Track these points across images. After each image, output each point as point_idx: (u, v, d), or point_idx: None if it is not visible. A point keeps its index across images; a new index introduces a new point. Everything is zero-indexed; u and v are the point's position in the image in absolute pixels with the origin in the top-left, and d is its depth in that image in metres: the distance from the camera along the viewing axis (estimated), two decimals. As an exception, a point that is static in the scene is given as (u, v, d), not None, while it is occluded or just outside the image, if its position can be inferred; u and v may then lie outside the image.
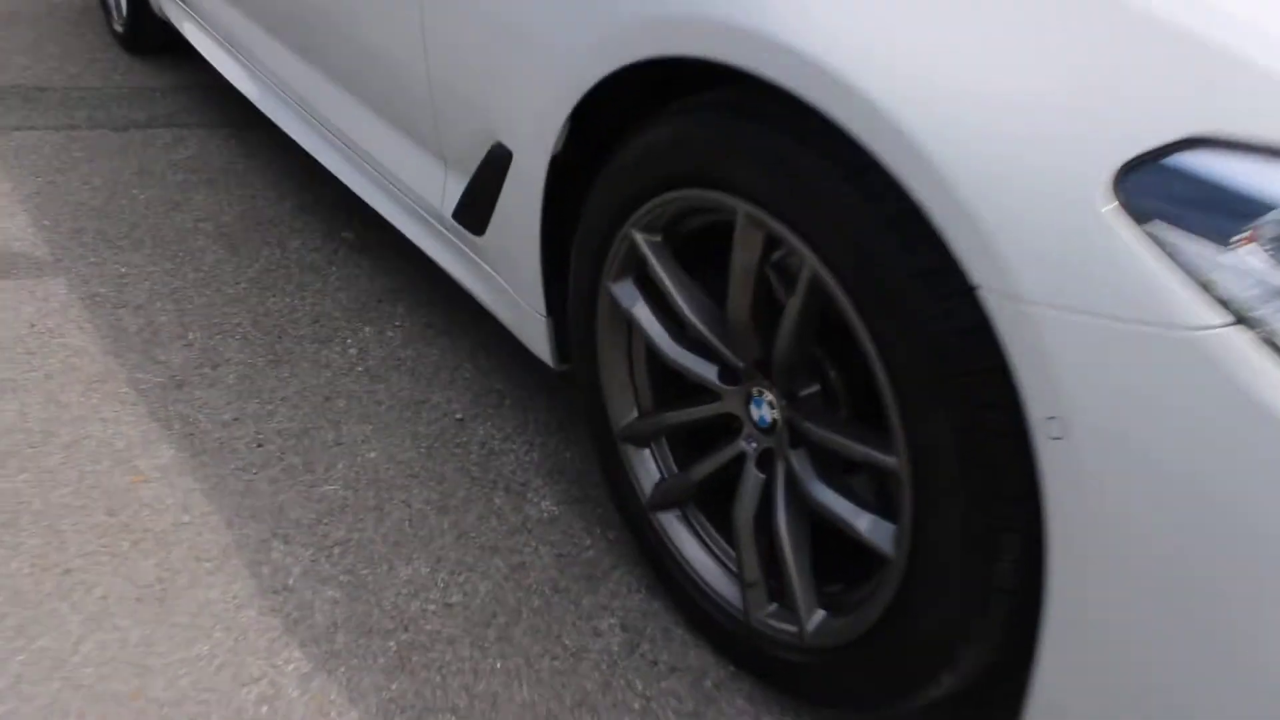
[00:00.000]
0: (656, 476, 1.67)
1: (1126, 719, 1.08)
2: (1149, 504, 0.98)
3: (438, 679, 1.57)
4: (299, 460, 1.99)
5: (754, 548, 1.50)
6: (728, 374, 1.50)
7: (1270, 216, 0.90)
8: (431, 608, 1.69)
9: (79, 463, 1.98)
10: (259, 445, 2.03)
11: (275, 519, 1.85)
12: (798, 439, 1.42)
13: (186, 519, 1.85)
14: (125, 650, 1.60)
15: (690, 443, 1.64)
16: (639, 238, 1.50)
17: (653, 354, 1.63)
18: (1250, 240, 0.91)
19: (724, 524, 1.63)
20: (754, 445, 1.49)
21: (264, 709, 1.51)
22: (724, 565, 1.61)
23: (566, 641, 1.64)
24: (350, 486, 1.93)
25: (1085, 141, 0.96)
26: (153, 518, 1.85)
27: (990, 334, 1.10)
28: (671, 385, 1.66)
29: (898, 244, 1.13)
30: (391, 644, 1.63)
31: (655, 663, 1.62)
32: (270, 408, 2.13)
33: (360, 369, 2.25)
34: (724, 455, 1.53)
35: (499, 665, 1.59)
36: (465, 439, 2.06)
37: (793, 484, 1.44)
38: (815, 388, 1.40)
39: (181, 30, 3.41)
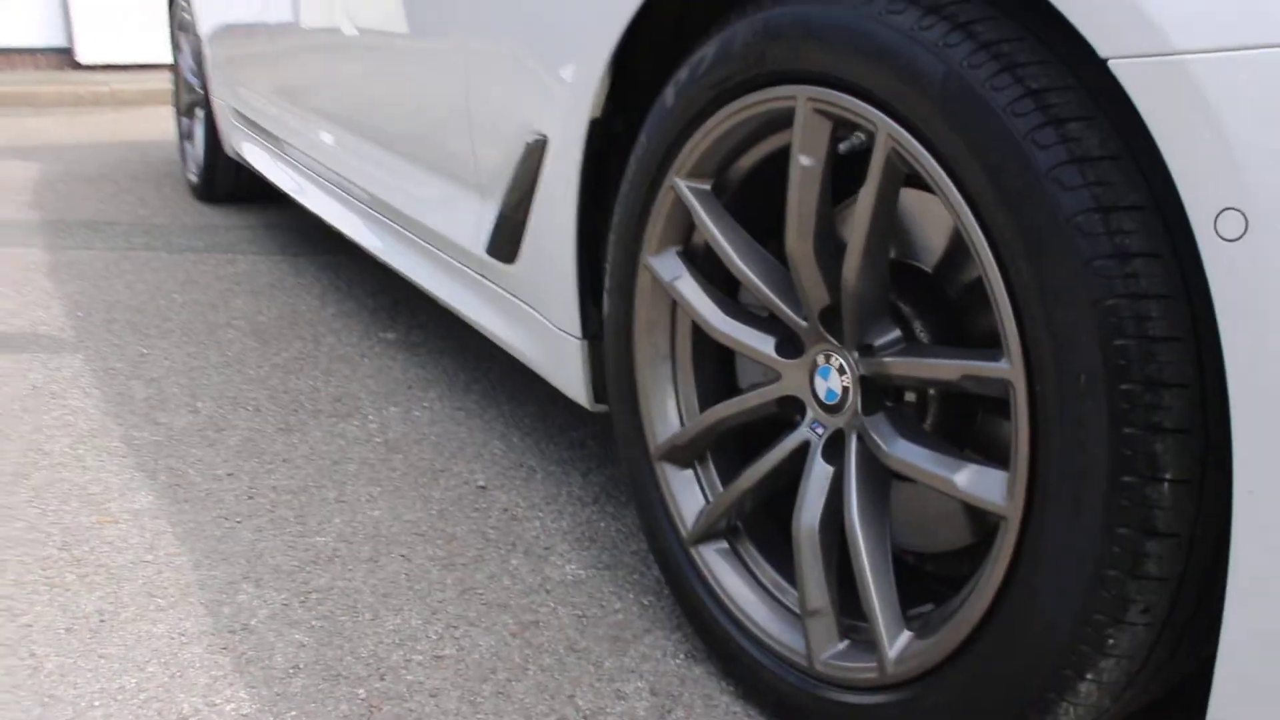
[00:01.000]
0: (700, 504, 1.36)
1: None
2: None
3: (411, 729, 1.24)
4: (291, 513, 1.72)
5: (820, 563, 1.18)
6: (787, 346, 1.23)
7: None
8: (417, 658, 1.37)
9: (45, 502, 1.72)
10: (249, 498, 1.76)
11: (250, 564, 1.57)
12: (873, 404, 1.13)
13: (149, 558, 1.57)
14: (35, 678, 1.30)
15: (739, 458, 1.35)
16: (684, 187, 1.26)
17: (699, 344, 1.37)
18: None
19: (779, 554, 1.31)
20: (820, 430, 1.20)
21: (186, 744, 1.19)
22: (781, 605, 1.28)
23: (580, 703, 1.30)
24: (344, 539, 1.64)
25: None
26: (111, 555, 1.58)
27: (1130, 163, 0.84)
28: (719, 381, 1.38)
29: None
30: (360, 691, 1.30)
31: (690, 731, 1.27)
32: (270, 467, 1.87)
33: (378, 440, 2.00)
34: (784, 448, 1.23)
35: (491, 720, 1.26)
36: (485, 505, 1.77)
37: (868, 466, 1.13)
38: (895, 333, 1.11)
39: (242, 154, 3.38)
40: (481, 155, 1.76)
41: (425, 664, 1.36)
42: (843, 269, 1.08)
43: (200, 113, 3.86)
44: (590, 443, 2.02)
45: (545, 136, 1.54)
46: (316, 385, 2.25)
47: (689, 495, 1.38)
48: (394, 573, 1.56)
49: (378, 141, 2.26)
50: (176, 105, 4.31)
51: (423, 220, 2.04)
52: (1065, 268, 0.85)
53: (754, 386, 1.28)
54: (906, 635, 1.09)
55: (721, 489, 1.34)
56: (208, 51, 3.66)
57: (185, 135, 4.20)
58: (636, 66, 1.44)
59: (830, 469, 1.18)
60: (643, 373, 1.40)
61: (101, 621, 1.42)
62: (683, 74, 1.26)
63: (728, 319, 1.27)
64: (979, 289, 1.13)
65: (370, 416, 2.10)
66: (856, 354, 1.13)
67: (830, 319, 1.16)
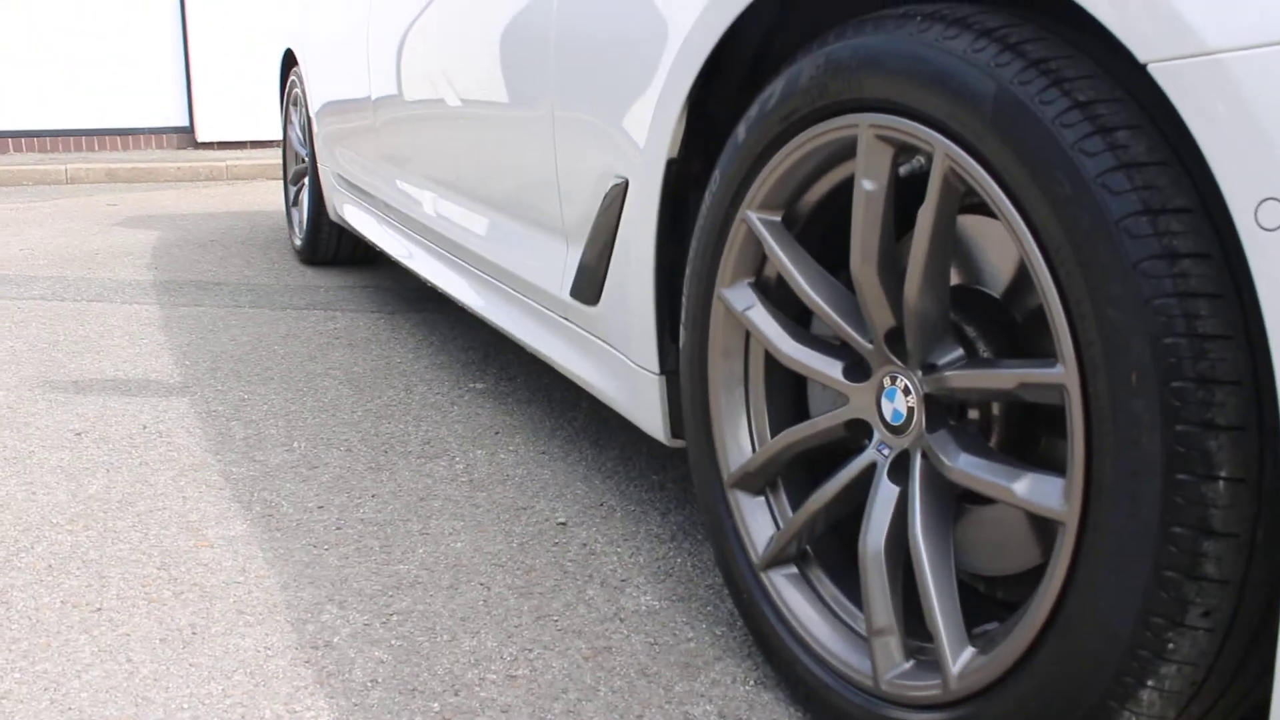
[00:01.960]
0: (771, 529, 1.38)
1: None
2: None
3: (483, 739, 1.27)
4: (376, 543, 1.78)
5: (886, 583, 1.19)
6: (854, 371, 1.26)
7: None
8: (491, 677, 1.40)
9: (147, 527, 1.81)
10: (338, 529, 1.83)
11: (335, 587, 1.62)
12: (936, 422, 1.15)
13: (240, 579, 1.64)
14: (131, 681, 1.37)
15: (808, 484, 1.37)
16: (755, 219, 1.31)
17: (771, 372, 1.40)
18: None
19: (847, 578, 1.32)
20: (886, 451, 1.22)
21: (267, 745, 1.24)
22: (848, 628, 1.29)
23: (648, 722, 1.32)
24: (426, 568, 1.69)
25: None
26: (205, 575, 1.65)
27: (1178, 168, 0.86)
28: (790, 409, 1.41)
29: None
30: (435, 705, 1.34)
31: (756, 752, 1.28)
32: (359, 501, 1.94)
33: (464, 480, 2.05)
34: (851, 470, 1.25)
35: (560, 734, 1.28)
36: (565, 540, 1.81)
37: (933, 484, 1.15)
38: (958, 351, 1.13)
39: (344, 217, 3.53)
40: (567, 203, 1.84)
41: (499, 682, 1.39)
42: (904, 287, 1.11)
43: (306, 180, 4.04)
44: (670, 485, 2.05)
45: (625, 180, 1.61)
46: (407, 429, 2.33)
47: (760, 521, 1.40)
48: (472, 599, 1.60)
49: (472, 201, 2.36)
50: (285, 175, 4.52)
51: (513, 270, 2.11)
52: (1115, 269, 0.87)
53: (824, 412, 1.30)
54: (970, 651, 1.09)
55: (791, 514, 1.36)
56: (315, 122, 3.84)
57: (292, 202, 4.39)
58: (713, 109, 1.50)
59: (896, 489, 1.20)
60: (717, 402, 1.43)
61: (194, 634, 1.48)
62: (753, 111, 1.31)
63: (798, 345, 1.31)
64: (1042, 313, 1.15)
65: (457, 458, 2.17)
66: (920, 373, 1.15)
67: (895, 341, 1.19)
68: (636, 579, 1.68)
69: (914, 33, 1.06)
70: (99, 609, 1.54)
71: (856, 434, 1.25)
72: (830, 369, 1.27)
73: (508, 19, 2.01)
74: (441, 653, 1.46)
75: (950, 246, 1.09)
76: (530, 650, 1.47)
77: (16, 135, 8.85)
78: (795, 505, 1.37)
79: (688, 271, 1.45)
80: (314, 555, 1.72)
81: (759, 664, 1.44)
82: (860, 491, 1.25)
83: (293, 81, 4.27)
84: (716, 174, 1.38)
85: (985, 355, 1.16)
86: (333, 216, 3.79)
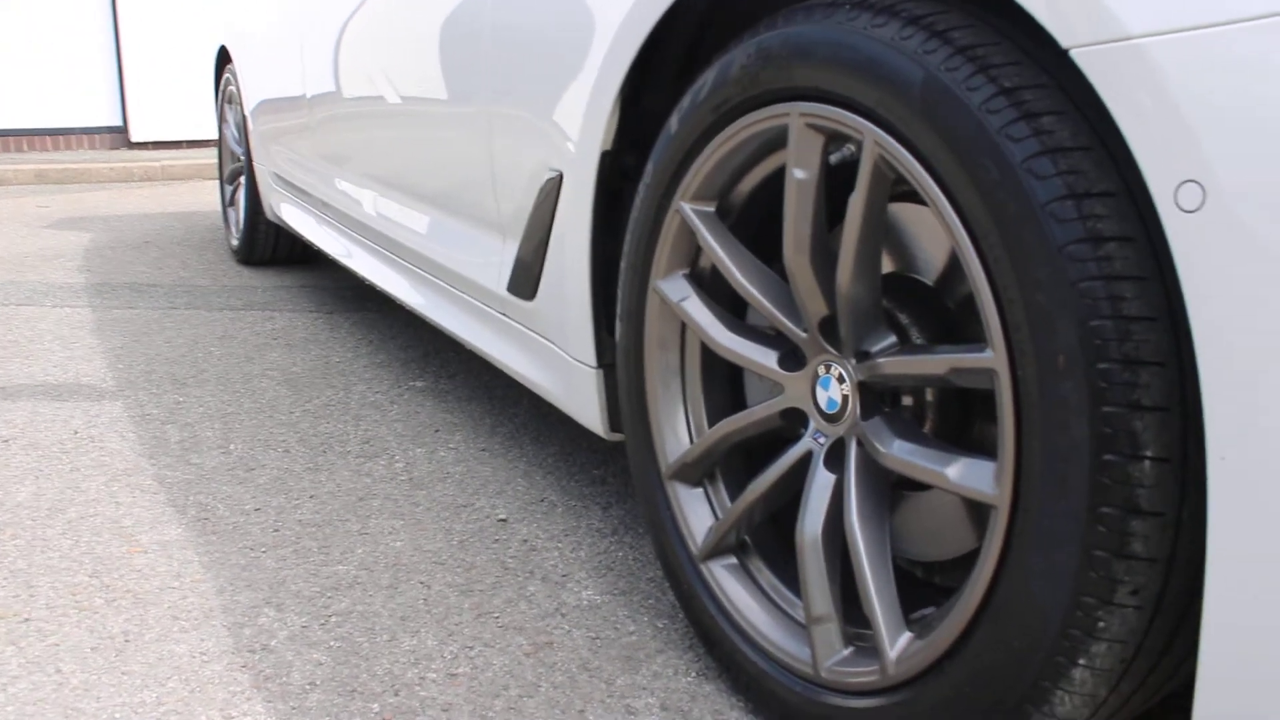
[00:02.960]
0: (709, 520, 1.38)
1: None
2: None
3: (423, 739, 1.26)
4: (315, 544, 1.75)
5: (824, 571, 1.19)
6: (789, 360, 1.26)
7: None
8: (432, 676, 1.39)
9: (78, 534, 1.77)
10: (275, 531, 1.80)
11: (273, 589, 1.60)
12: (871, 410, 1.15)
13: (175, 585, 1.61)
14: (60, 693, 1.34)
15: (746, 474, 1.37)
16: (689, 210, 1.31)
17: (707, 363, 1.40)
18: None
19: (786, 567, 1.32)
20: (822, 439, 1.22)
21: (202, 750, 1.22)
22: (788, 617, 1.30)
23: (590, 717, 1.31)
24: (365, 568, 1.67)
25: None
26: (138, 581, 1.62)
27: (1102, 153, 0.87)
28: (727, 400, 1.41)
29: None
30: (375, 706, 1.32)
31: (699, 744, 1.27)
32: (297, 502, 1.91)
33: (404, 478, 2.03)
34: (788, 459, 1.25)
35: (502, 732, 1.28)
36: (505, 536, 1.80)
37: (868, 471, 1.15)
38: (891, 339, 1.14)
39: (281, 216, 3.48)
40: (503, 198, 1.82)
41: (439, 681, 1.38)
42: (836, 276, 1.12)
43: (243, 180, 3.98)
44: (611, 479, 2.04)
45: (560, 173, 1.60)
46: (345, 429, 2.30)
47: (699, 512, 1.40)
48: (412, 598, 1.58)
49: (409, 198, 2.34)
50: (220, 174, 4.45)
51: (451, 267, 2.10)
52: (1041, 254, 0.88)
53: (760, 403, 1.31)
54: (907, 636, 1.10)
55: (729, 504, 1.36)
56: (251, 121, 3.78)
57: (228, 202, 4.33)
58: (647, 101, 1.49)
59: (832, 477, 1.20)
60: (654, 394, 1.43)
61: (126, 642, 1.45)
62: (685, 102, 1.30)
63: (733, 336, 1.31)
64: (974, 299, 1.16)
65: (397, 456, 2.14)
66: (854, 361, 1.15)
67: (829, 330, 1.19)
68: (578, 574, 1.67)
69: (842, 21, 1.06)
70: (27, 619, 1.51)
71: (792, 423, 1.25)
72: (765, 359, 1.27)
73: (441, 16, 1.99)
74: (381, 653, 1.44)
75: (881, 234, 1.10)
76: (471, 648, 1.45)
77: (-58, 137, 8.66)
78: (733, 496, 1.37)
79: (623, 264, 1.44)
80: (251, 558, 1.70)
81: (701, 655, 1.44)
82: (797, 480, 1.25)
83: (227, 79, 4.20)
84: (650, 166, 1.37)
85: (918, 342, 1.17)
86: (270, 216, 3.74)
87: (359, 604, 1.56)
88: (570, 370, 1.66)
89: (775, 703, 1.26)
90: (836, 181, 1.17)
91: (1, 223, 5.44)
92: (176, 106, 8.99)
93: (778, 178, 1.24)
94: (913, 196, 1.20)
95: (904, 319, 1.18)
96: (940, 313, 1.19)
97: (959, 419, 1.17)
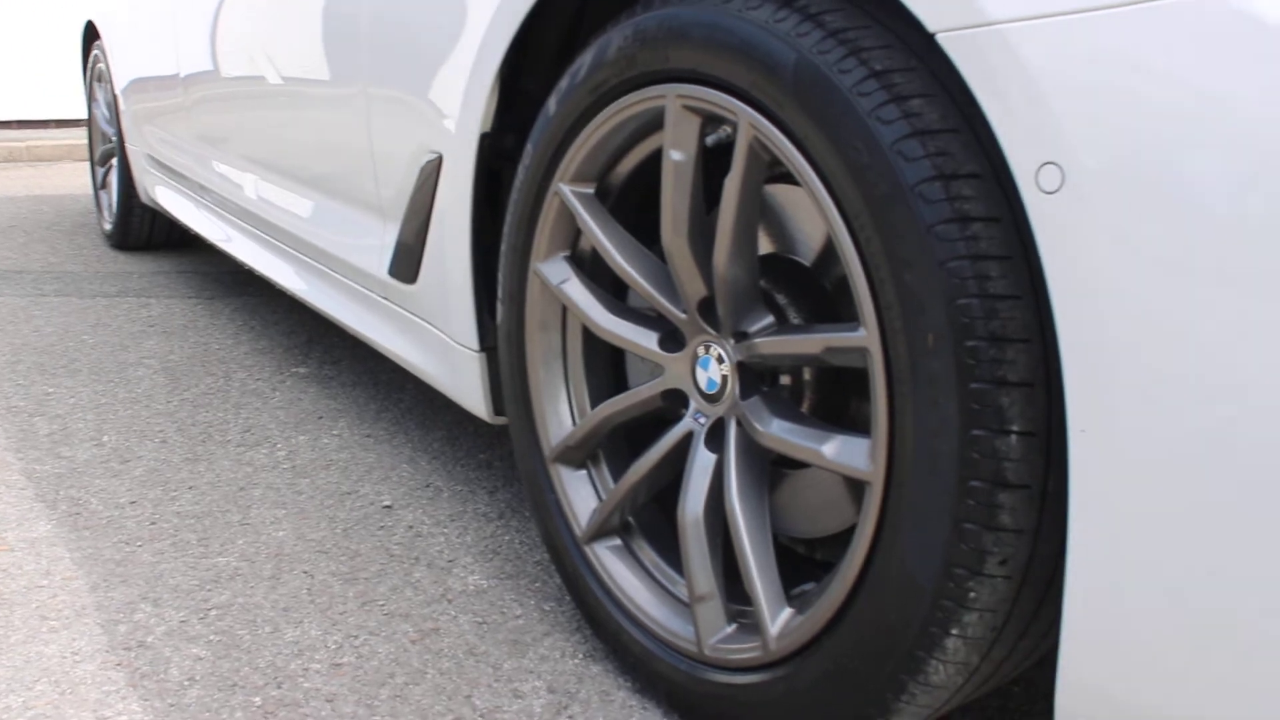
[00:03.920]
0: (593, 503, 1.38)
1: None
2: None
3: (306, 732, 1.24)
4: (194, 536, 1.71)
5: (705, 550, 1.20)
6: (669, 341, 1.26)
7: None
8: (315, 666, 1.37)
9: (-64, 533, 1.70)
10: (152, 524, 1.75)
11: (149, 585, 1.55)
12: (750, 390, 1.16)
13: (44, 583, 1.55)
14: (-80, 697, 1.28)
15: (629, 455, 1.37)
16: (568, 192, 1.30)
17: (589, 346, 1.40)
18: None
19: (670, 547, 1.33)
20: (702, 420, 1.23)
21: (73, 752, 1.18)
22: (673, 596, 1.31)
23: (477, 702, 1.30)
24: (246, 559, 1.64)
25: None
26: (3, 581, 1.56)
27: (968, 135, 0.89)
28: (609, 382, 1.42)
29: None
30: (256, 699, 1.30)
31: (586, 725, 1.28)
32: (175, 494, 1.86)
33: (286, 467, 1.99)
34: (669, 439, 1.26)
35: (387, 721, 1.26)
36: (390, 523, 1.77)
37: (747, 451, 1.16)
38: (769, 319, 1.15)
39: (156, 199, 3.38)
40: (383, 181, 1.79)
41: (323, 671, 1.36)
42: (714, 256, 1.12)
43: (115, 161, 3.84)
44: (498, 463, 2.03)
45: (440, 155, 1.58)
46: (226, 418, 2.24)
47: (582, 494, 1.40)
48: (295, 588, 1.55)
49: (288, 181, 2.29)
50: (91, 156, 4.29)
51: (332, 251, 2.06)
52: (910, 234, 0.90)
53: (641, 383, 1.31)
54: (788, 612, 1.12)
55: (613, 486, 1.36)
56: (122, 100, 3.65)
57: (100, 185, 4.18)
58: (527, 83, 1.48)
59: (713, 457, 1.21)
60: (536, 377, 1.42)
61: (-9, 643, 1.40)
62: (563, 83, 1.30)
63: (614, 318, 1.31)
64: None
65: (279, 445, 2.10)
66: (732, 341, 1.16)
67: (708, 311, 1.20)
68: (464, 559, 1.66)
69: (717, 3, 1.07)
70: (-117, 621, 1.44)
71: (674, 404, 1.26)
72: (646, 340, 1.28)
73: (316, -9, 1.94)
74: (263, 645, 1.41)
75: (757, 215, 1.11)
76: (355, 637, 1.44)
77: None
78: (616, 477, 1.38)
79: (503, 247, 1.43)
80: (126, 553, 1.65)
81: (588, 637, 1.44)
82: (679, 461, 1.26)
83: (96, 56, 4.05)
84: (529, 147, 1.36)
85: (796, 322, 1.18)
86: (144, 199, 3.62)
87: (240, 596, 1.53)
88: (453, 354, 1.64)
89: (661, 681, 1.26)
90: (714, 163, 1.18)
91: None
92: (43, 84, 8.63)
93: (656, 159, 1.24)
94: (790, 178, 1.21)
95: (782, 300, 1.19)
96: (817, 293, 1.21)
97: (837, 398, 1.19)
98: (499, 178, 1.54)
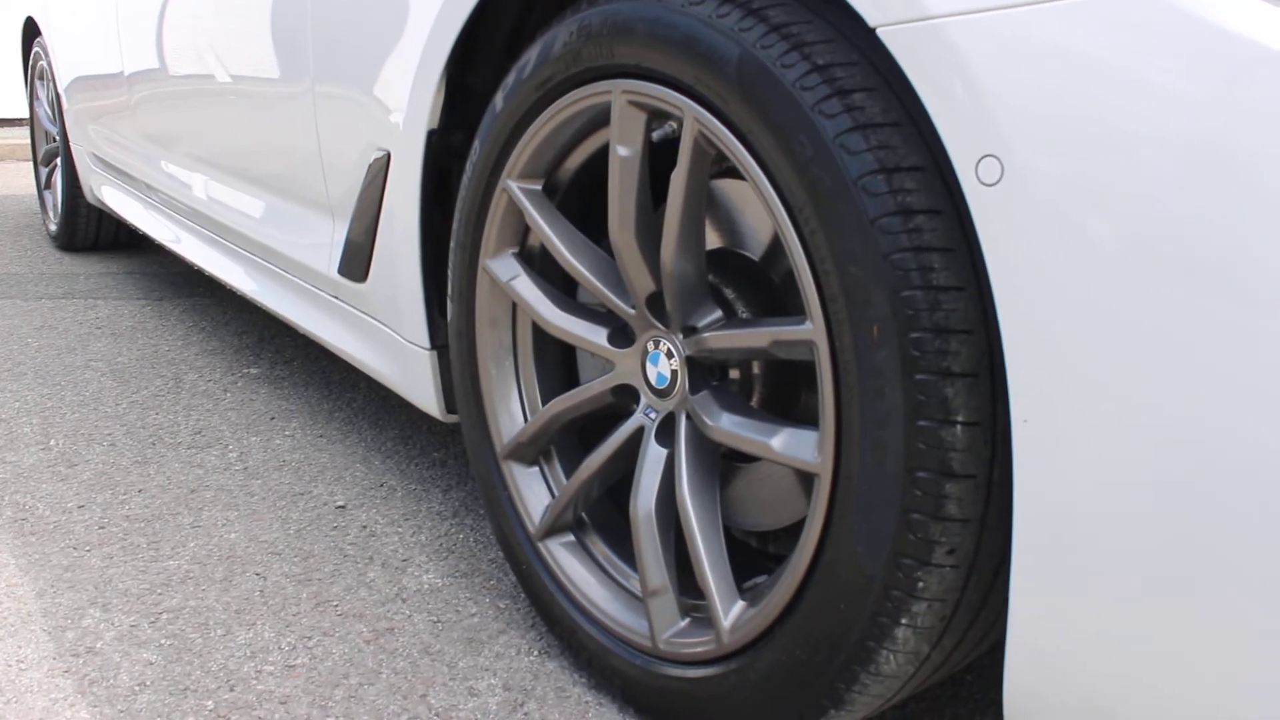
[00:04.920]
0: (546, 499, 1.38)
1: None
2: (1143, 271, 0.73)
3: (258, 735, 1.23)
4: (144, 540, 1.69)
5: (658, 544, 1.20)
6: (619, 337, 1.26)
7: None
8: (269, 669, 1.36)
9: (-123, 542, 1.67)
10: (100, 528, 1.73)
11: (99, 589, 1.54)
12: (699, 384, 1.17)
13: (-11, 590, 1.53)
14: None
15: (581, 451, 1.37)
16: (515, 188, 1.30)
17: (540, 342, 1.40)
18: None
19: (623, 542, 1.33)
20: (653, 414, 1.23)
21: (20, 762, 1.16)
22: (626, 591, 1.31)
23: (433, 701, 1.30)
24: (198, 562, 1.62)
25: None
26: (-53, 589, 1.53)
27: (910, 129, 0.90)
28: (561, 378, 1.41)
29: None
30: (209, 703, 1.28)
31: (542, 722, 1.28)
32: (124, 497, 1.84)
33: (238, 468, 1.98)
34: (620, 435, 1.26)
35: (341, 722, 1.25)
36: (344, 523, 1.76)
37: (698, 445, 1.17)
38: (717, 313, 1.16)
39: (102, 199, 3.33)
40: (331, 179, 1.78)
41: (276, 674, 1.35)
42: (662, 251, 1.12)
43: (59, 161, 3.79)
44: (451, 462, 2.03)
45: (388, 152, 1.57)
46: (176, 420, 2.22)
47: (535, 491, 1.40)
48: (248, 590, 1.54)
49: (236, 180, 2.26)
50: (35, 155, 4.22)
51: (282, 250, 2.04)
52: (854, 227, 0.90)
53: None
54: (740, 605, 1.12)
55: (565, 482, 1.36)
56: (65, 99, 3.60)
57: (44, 185, 4.12)
58: (474, 80, 1.47)
59: (664, 451, 1.22)
60: (486, 374, 1.42)
61: (-64, 652, 1.38)
62: (510, 79, 1.29)
63: (563, 314, 1.31)
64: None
65: (230, 446, 2.08)
66: (681, 336, 1.17)
67: (657, 306, 1.20)
68: (418, 558, 1.65)
69: (661, -2, 1.07)
70: None
71: (624, 399, 1.26)
72: (595, 336, 1.28)
73: (260, -13, 1.92)
74: (215, 648, 1.40)
75: (703, 210, 1.11)
76: (309, 638, 1.43)
77: None
78: (569, 473, 1.38)
79: (452, 244, 1.42)
80: (74, 558, 1.63)
81: (543, 634, 1.44)
82: (631, 456, 1.26)
83: (37, 53, 3.98)
84: (477, 144, 1.36)
85: (744, 316, 1.19)
86: (90, 199, 3.57)
87: (191, 599, 1.52)
88: (404, 352, 1.64)
89: (616, 676, 1.27)
90: (661, 159, 1.18)
91: None
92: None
93: (602, 155, 1.24)
94: (737, 173, 1.22)
95: (730, 294, 1.20)
96: (765, 287, 1.21)
97: (786, 391, 1.20)
98: (448, 175, 1.53)
